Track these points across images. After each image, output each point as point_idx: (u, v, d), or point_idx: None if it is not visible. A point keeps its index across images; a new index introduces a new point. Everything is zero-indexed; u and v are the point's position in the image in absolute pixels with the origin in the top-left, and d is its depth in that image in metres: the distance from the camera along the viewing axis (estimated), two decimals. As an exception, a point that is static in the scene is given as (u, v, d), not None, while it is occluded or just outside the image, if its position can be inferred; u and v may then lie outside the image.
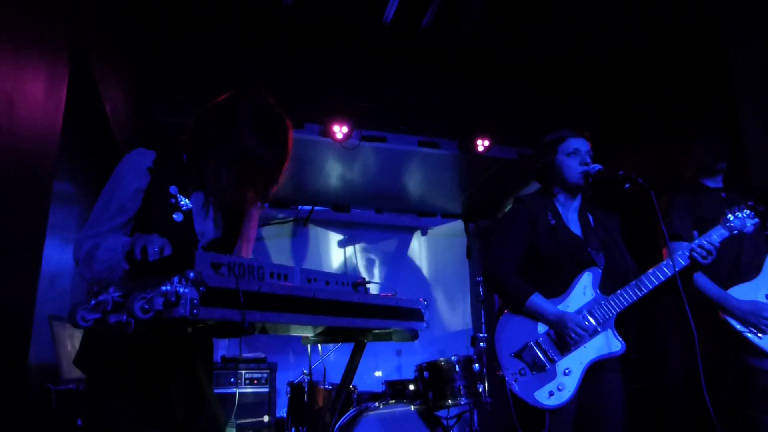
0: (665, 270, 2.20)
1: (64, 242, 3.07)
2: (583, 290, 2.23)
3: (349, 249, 6.76)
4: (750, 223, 2.30)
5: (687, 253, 2.22)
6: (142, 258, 1.41)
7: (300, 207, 6.38)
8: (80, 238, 1.60)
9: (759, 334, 2.45)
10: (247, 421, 3.75)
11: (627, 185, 2.21)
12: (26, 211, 1.98)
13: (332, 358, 4.64)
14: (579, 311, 2.19)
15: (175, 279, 1.17)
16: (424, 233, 7.16)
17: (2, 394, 1.78)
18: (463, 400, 3.91)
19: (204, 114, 1.73)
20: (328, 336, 1.94)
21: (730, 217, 2.31)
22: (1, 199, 1.77)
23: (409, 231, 7.10)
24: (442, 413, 4.17)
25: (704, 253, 2.20)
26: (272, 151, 1.69)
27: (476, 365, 4.05)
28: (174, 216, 1.65)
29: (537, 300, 2.18)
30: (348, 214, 6.58)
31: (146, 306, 1.16)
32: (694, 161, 2.89)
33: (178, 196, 1.67)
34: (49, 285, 2.82)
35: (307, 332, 1.90)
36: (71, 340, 2.91)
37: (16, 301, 1.90)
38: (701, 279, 2.57)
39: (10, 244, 1.86)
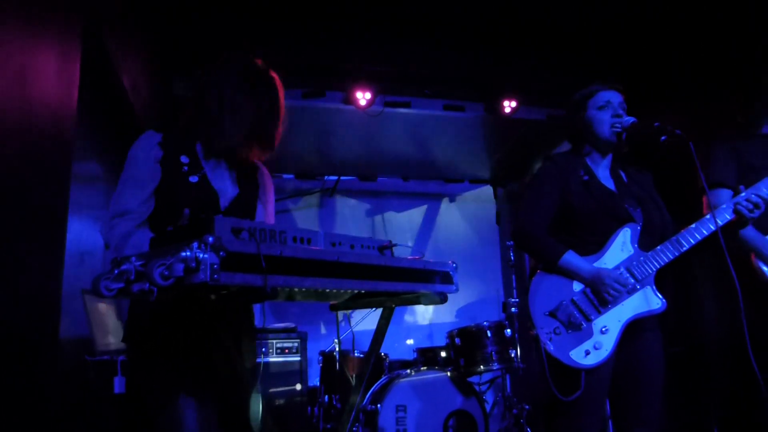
0: (709, 225, 2.10)
1: (92, 220, 3.09)
2: (621, 246, 2.13)
3: (377, 218, 6.73)
4: None
5: (732, 206, 2.11)
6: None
7: (326, 177, 6.36)
8: (109, 218, 1.65)
9: None
10: (280, 389, 3.79)
11: (663, 137, 2.09)
12: (47, 188, 1.97)
13: (364, 326, 4.65)
14: (617, 268, 2.11)
15: (195, 245, 1.15)
16: (452, 200, 7.08)
17: (36, 366, 1.81)
18: (495, 366, 3.89)
19: (199, 83, 1.83)
20: (356, 302, 1.92)
21: None
22: (21, 176, 1.77)
23: (437, 198, 7.02)
24: (474, 379, 4.17)
25: (751, 206, 2.07)
26: (263, 98, 1.80)
27: (508, 330, 4.01)
28: (190, 179, 1.73)
29: (571, 258, 2.10)
30: (374, 183, 6.53)
31: (166, 272, 1.14)
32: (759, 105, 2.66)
33: (190, 163, 1.76)
34: (79, 261, 2.86)
35: (333, 298, 1.87)
36: (103, 313, 2.96)
37: (43, 277, 1.91)
38: (748, 229, 2.42)
39: (34, 223, 1.86)
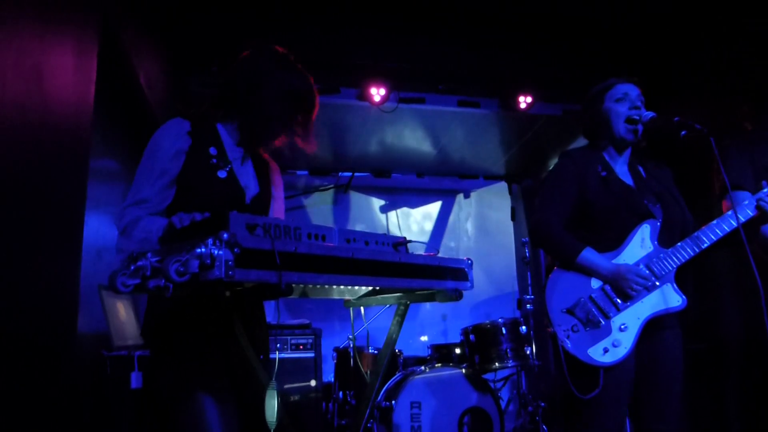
0: (730, 221, 2.06)
1: (109, 216, 3.12)
2: (641, 243, 2.10)
3: (392, 214, 6.71)
4: None
5: (754, 203, 2.07)
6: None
7: (340, 174, 6.35)
8: (123, 206, 1.65)
9: None
10: (294, 385, 3.79)
11: (683, 132, 2.06)
12: (64, 184, 1.99)
13: (378, 323, 4.65)
14: (636, 264, 2.08)
15: (210, 241, 1.15)
16: (466, 196, 7.04)
17: (54, 360, 1.83)
18: (510, 363, 3.86)
19: (229, 76, 1.79)
20: (371, 299, 1.91)
21: None
22: (39, 172, 1.78)
23: (452, 194, 6.98)
24: (489, 376, 4.14)
25: None
26: (303, 80, 1.79)
27: (523, 327, 3.98)
28: (218, 174, 1.71)
29: (589, 255, 2.07)
30: (389, 179, 6.51)
31: (181, 269, 1.15)
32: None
33: (218, 155, 1.74)
34: (97, 257, 2.88)
35: (348, 294, 1.87)
36: (120, 308, 2.98)
37: (61, 272, 1.93)
38: None
39: (52, 219, 1.88)
